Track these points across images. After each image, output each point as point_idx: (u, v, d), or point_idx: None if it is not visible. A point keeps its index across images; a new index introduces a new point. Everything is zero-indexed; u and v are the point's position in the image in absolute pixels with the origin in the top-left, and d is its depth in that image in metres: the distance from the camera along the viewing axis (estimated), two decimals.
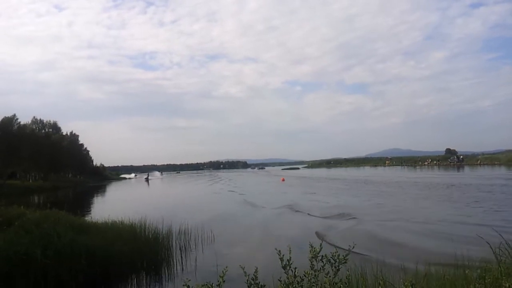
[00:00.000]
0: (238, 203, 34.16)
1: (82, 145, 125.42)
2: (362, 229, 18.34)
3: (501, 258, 6.16)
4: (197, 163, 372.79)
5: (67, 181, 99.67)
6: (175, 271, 12.40)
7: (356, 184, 53.76)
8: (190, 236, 16.22)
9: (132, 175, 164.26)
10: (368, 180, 61.02)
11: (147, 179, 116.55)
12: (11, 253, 9.30)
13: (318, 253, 4.34)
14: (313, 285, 4.20)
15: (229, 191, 51.55)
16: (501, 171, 72.98)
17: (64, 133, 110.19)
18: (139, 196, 57.92)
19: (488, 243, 6.74)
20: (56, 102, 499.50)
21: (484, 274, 5.47)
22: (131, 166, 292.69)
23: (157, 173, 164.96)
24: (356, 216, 22.26)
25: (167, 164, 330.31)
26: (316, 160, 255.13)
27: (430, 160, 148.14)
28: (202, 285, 3.87)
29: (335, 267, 4.30)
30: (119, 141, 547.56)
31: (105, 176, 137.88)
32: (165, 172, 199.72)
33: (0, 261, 8.95)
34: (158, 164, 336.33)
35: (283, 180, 72.35)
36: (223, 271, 3.99)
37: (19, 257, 9.28)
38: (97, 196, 58.29)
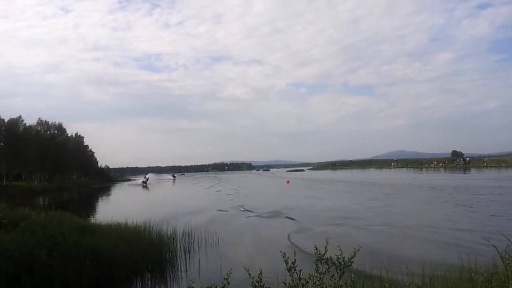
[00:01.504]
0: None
1: (87, 146, 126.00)
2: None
3: (508, 261, 6.09)
4: (202, 165, 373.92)
5: (72, 182, 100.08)
6: (179, 273, 12.39)
7: (360, 186, 53.65)
8: (194, 238, 16.23)
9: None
10: (374, 182, 60.77)
11: (145, 184, 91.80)
12: (17, 254, 9.33)
13: (323, 256, 4.32)
14: None
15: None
16: (508, 173, 72.43)
17: (69, 135, 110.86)
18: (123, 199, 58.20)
19: (495, 246, 6.68)
20: (61, 104, 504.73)
21: (490, 278, 5.42)
22: (136, 167, 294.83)
23: (166, 176, 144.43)
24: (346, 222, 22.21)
25: (171, 166, 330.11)
26: (321, 162, 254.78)
27: (436, 162, 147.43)
28: (207, 287, 3.87)
29: (340, 269, 4.28)
30: (124, 142, 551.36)
31: (110, 178, 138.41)
32: (165, 175, 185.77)
33: (6, 262, 8.96)
34: (162, 165, 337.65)
35: (288, 182, 72.24)
36: (227, 273, 3.98)
37: (25, 258, 9.31)
38: (101, 198, 58.46)
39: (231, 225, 22.31)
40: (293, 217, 23.74)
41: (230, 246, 16.36)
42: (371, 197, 35.78)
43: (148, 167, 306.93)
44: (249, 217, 25.49)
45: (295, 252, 4.31)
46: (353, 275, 4.63)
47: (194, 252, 15.06)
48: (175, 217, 23.05)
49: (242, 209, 29.78)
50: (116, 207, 38.25)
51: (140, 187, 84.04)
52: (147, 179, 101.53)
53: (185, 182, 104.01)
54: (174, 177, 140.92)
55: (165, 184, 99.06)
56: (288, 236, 17.43)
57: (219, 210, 29.57)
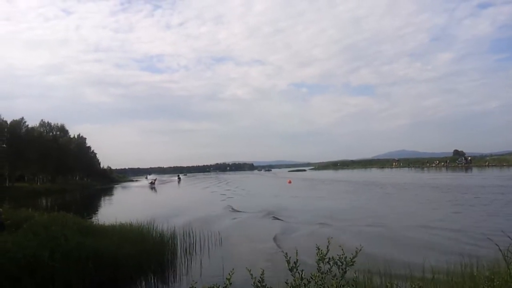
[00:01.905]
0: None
1: (89, 148, 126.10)
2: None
3: (510, 260, 6.08)
4: (204, 165, 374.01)
5: (74, 183, 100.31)
6: (181, 273, 12.42)
7: (362, 186, 53.60)
8: (196, 238, 16.26)
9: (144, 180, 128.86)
10: (376, 182, 60.62)
11: (153, 186, 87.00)
12: (20, 255, 9.35)
13: (325, 255, 4.33)
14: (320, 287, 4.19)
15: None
16: (510, 172, 72.24)
17: (71, 136, 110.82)
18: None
19: (497, 245, 6.66)
20: (63, 105, 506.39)
21: (492, 277, 5.41)
22: (138, 168, 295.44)
23: (166, 176, 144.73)
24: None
25: (173, 167, 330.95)
26: (323, 162, 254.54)
27: (437, 161, 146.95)
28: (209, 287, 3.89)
29: (342, 269, 4.28)
30: (126, 144, 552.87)
31: (112, 179, 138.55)
32: (168, 176, 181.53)
33: (8, 263, 8.99)
34: (165, 166, 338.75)
35: (290, 182, 72.18)
36: (229, 274, 3.99)
37: (27, 260, 9.33)
38: (104, 199, 58.53)
39: (216, 226, 21.36)
40: (280, 218, 23.87)
41: (219, 247, 16.38)
42: (372, 197, 35.77)
43: (150, 168, 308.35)
44: (235, 218, 25.44)
45: (296, 252, 4.31)
46: (355, 275, 4.63)
47: (196, 253, 15.09)
48: (163, 218, 22.02)
49: (231, 209, 30.08)
50: (119, 208, 38.31)
51: (147, 188, 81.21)
52: (155, 180, 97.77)
53: (187, 183, 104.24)
54: (179, 178, 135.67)
55: (171, 184, 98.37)
56: (274, 238, 17.39)
57: (212, 211, 29.58)
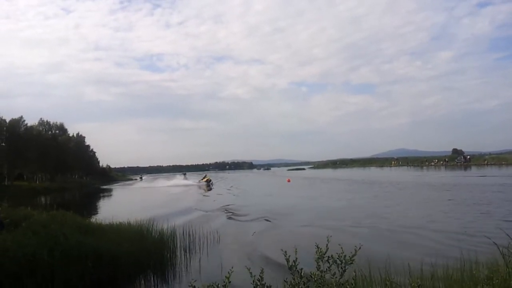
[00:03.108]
0: None
1: (88, 146, 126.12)
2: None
3: (509, 258, 6.10)
4: (203, 164, 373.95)
5: (74, 182, 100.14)
6: (181, 272, 12.43)
7: (359, 185, 53.64)
8: (195, 237, 16.25)
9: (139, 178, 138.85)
10: (376, 181, 60.65)
11: (209, 182, 72.99)
12: (19, 254, 9.34)
13: (324, 254, 4.33)
14: (319, 286, 4.19)
15: None
16: (509, 171, 72.32)
17: (70, 135, 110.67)
18: None
19: (496, 244, 6.68)
20: (63, 103, 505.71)
21: (491, 275, 5.44)
22: (137, 167, 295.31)
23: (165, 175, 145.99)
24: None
25: (172, 165, 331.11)
26: (322, 161, 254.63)
27: (436, 160, 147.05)
28: (208, 286, 3.88)
29: (341, 267, 4.28)
30: (125, 142, 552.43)
31: (111, 178, 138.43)
32: (170, 174, 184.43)
33: (8, 262, 8.98)
34: (164, 165, 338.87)
35: (289, 181, 72.20)
36: (229, 272, 4.00)
37: (27, 258, 9.31)
38: (103, 198, 58.47)
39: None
40: (235, 217, 24.68)
41: (217, 245, 16.36)
42: (362, 197, 35.68)
43: (150, 166, 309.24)
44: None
45: (296, 251, 4.31)
46: (354, 273, 4.64)
47: (195, 251, 15.10)
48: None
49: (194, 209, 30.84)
50: (115, 207, 38.28)
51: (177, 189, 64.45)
52: (207, 176, 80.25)
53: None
54: (185, 174, 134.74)
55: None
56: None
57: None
